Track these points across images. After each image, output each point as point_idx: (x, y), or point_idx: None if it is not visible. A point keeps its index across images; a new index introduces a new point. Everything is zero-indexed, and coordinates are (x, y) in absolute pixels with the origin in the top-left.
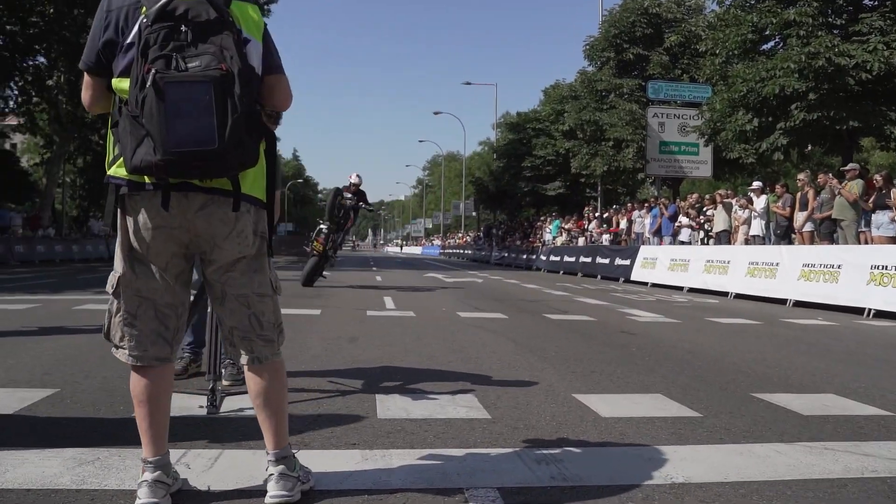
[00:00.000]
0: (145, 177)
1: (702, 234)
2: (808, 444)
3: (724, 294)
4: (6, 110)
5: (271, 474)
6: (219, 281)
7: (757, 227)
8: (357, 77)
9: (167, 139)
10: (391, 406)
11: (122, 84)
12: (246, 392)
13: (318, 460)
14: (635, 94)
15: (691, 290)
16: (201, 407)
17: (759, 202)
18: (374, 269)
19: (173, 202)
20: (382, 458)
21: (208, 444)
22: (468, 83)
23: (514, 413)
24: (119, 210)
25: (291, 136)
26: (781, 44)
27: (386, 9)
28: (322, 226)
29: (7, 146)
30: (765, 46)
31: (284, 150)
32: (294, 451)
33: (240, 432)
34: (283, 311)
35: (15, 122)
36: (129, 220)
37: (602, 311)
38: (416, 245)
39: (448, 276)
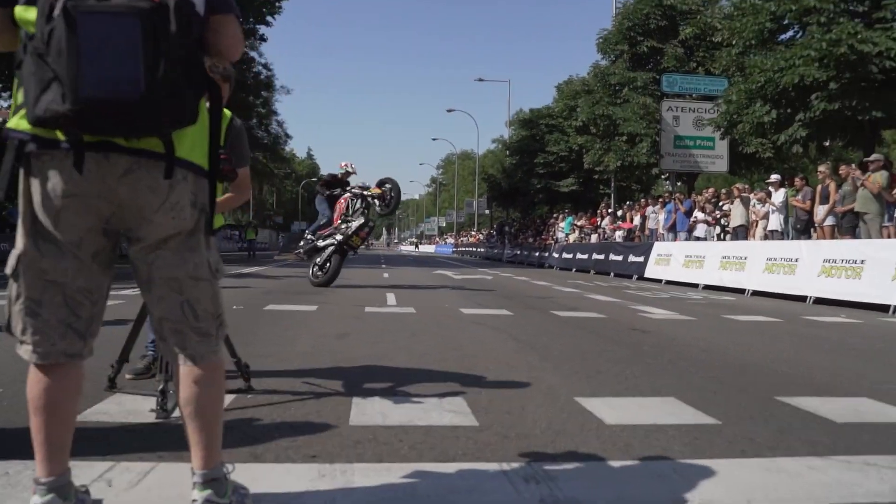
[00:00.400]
0: (58, 132)
1: (718, 229)
2: (845, 458)
3: (741, 291)
4: None
5: (194, 500)
6: (145, 262)
7: (775, 222)
8: (370, 75)
9: (78, 84)
10: (367, 410)
11: (27, 14)
12: None
13: (268, 476)
14: (649, 87)
15: (707, 287)
16: (151, 411)
17: (778, 196)
18: (384, 266)
19: (90, 165)
20: (343, 475)
21: (143, 454)
22: (481, 80)
23: (505, 419)
24: (22, 173)
25: (305, 136)
26: (800, 33)
27: (397, 5)
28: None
29: None
30: (783, 36)
31: (299, 149)
32: (229, 467)
33: (186, 440)
34: (280, 307)
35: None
36: (35, 187)
37: (613, 308)
38: (430, 244)
39: (458, 274)
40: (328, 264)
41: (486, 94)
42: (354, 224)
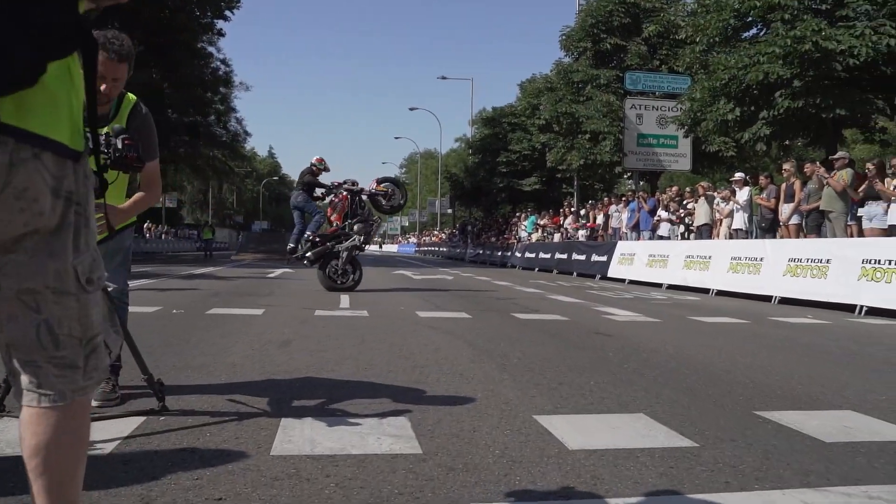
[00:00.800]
0: None
1: (682, 228)
2: (843, 489)
3: (706, 291)
4: None
5: None
6: None
7: (740, 221)
8: (332, 73)
9: None
10: (295, 436)
11: None
12: (117, 416)
13: None
14: (612, 85)
15: (671, 286)
16: None
17: (742, 194)
18: None
19: None
20: None
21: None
22: (444, 77)
23: (453, 445)
24: None
25: (267, 134)
26: (763, 30)
27: (360, 2)
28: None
29: None
30: (746, 34)
31: (260, 147)
32: None
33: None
34: (224, 310)
35: None
36: None
37: (576, 310)
38: (393, 243)
39: (418, 274)
40: (349, 267)
41: (450, 92)
42: (374, 227)
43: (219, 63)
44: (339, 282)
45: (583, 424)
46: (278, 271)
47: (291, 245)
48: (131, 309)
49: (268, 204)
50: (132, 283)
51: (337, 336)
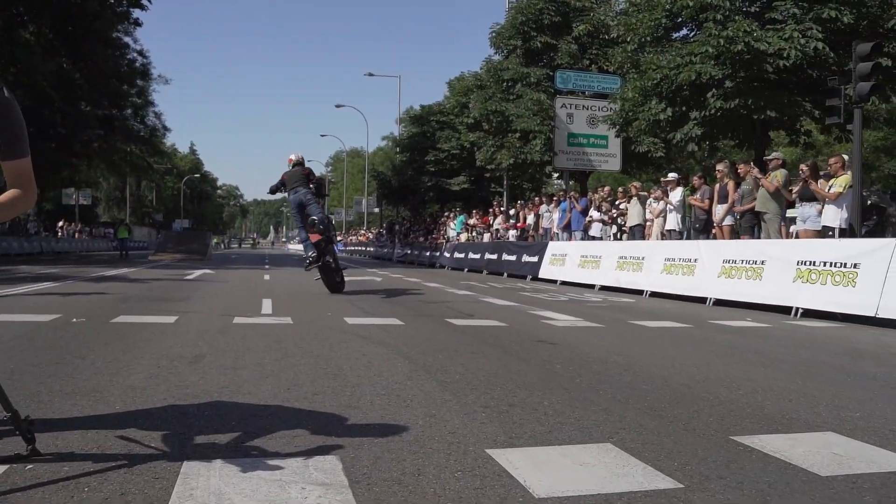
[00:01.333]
0: None
1: (614, 228)
2: None
3: (639, 292)
4: None
5: None
6: None
7: (673, 222)
8: (258, 70)
9: None
10: (198, 488)
11: None
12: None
13: None
14: (543, 83)
15: (603, 288)
16: None
17: (675, 195)
18: (268, 266)
19: None
20: None
21: None
22: (371, 74)
23: (394, 494)
24: None
25: (189, 132)
26: (694, 31)
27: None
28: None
29: None
30: (677, 35)
31: (181, 143)
32: None
33: None
34: (131, 318)
35: None
36: None
37: (513, 315)
38: None
39: (345, 275)
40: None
41: (377, 90)
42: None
43: (135, 54)
44: (338, 280)
45: (545, 460)
46: (197, 272)
47: (314, 254)
48: (22, 318)
49: (189, 202)
50: (28, 288)
51: (257, 349)
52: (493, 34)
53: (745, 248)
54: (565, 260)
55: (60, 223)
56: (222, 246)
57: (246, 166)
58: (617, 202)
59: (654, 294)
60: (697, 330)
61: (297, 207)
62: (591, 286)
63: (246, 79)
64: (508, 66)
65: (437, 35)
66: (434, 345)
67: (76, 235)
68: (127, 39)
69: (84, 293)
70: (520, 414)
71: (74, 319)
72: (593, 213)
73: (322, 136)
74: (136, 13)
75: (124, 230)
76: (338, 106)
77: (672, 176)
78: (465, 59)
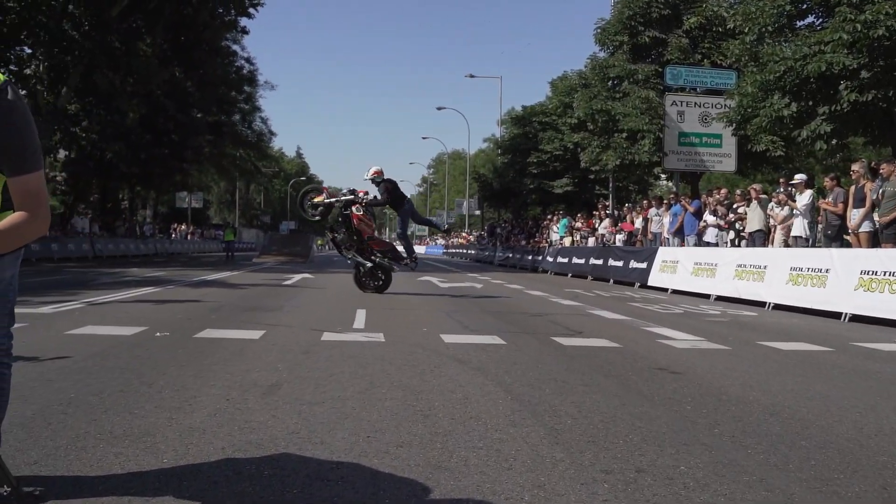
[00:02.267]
0: None
1: (731, 234)
2: None
3: (761, 304)
4: None
5: None
6: None
7: (799, 227)
8: (359, 73)
9: None
10: None
11: None
12: None
13: None
14: (651, 80)
15: (720, 298)
16: None
17: (803, 198)
18: None
19: None
20: None
21: None
22: (472, 76)
23: None
24: None
25: (295, 136)
26: (823, 18)
27: (386, 2)
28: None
29: None
30: (801, 23)
31: (288, 147)
32: None
33: None
34: (215, 333)
35: None
36: None
37: (625, 331)
38: (421, 244)
39: (445, 280)
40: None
41: (478, 91)
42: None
43: (243, 61)
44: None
45: None
46: (296, 277)
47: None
48: (107, 330)
49: (295, 204)
50: (127, 294)
51: (340, 376)
52: (598, 30)
53: (888, 258)
54: (677, 267)
55: (174, 225)
56: (327, 247)
57: (349, 169)
58: (734, 205)
59: (777, 306)
60: (842, 356)
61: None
62: (706, 296)
63: (348, 82)
64: (614, 63)
65: (539, 34)
66: (540, 373)
67: (188, 237)
68: (235, 47)
69: (179, 300)
70: (651, 485)
71: (158, 334)
72: (708, 218)
73: (423, 138)
74: (243, 21)
75: (231, 233)
76: (439, 108)
77: (800, 177)
78: (569, 57)
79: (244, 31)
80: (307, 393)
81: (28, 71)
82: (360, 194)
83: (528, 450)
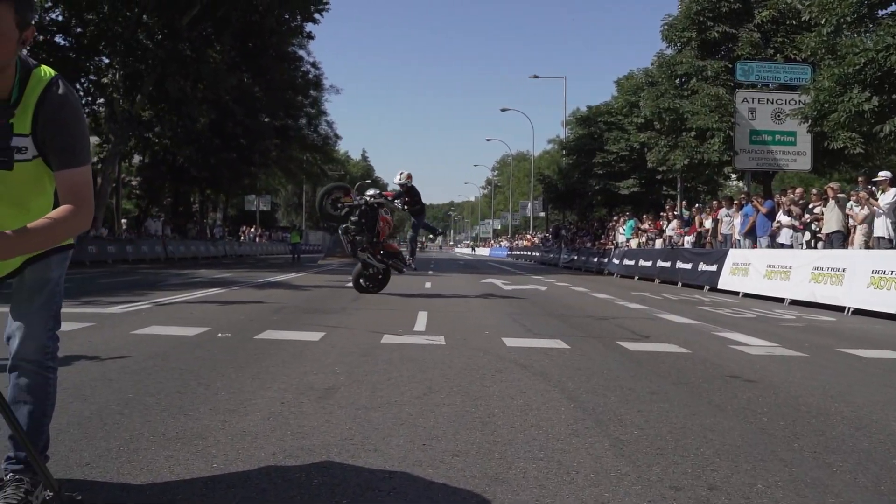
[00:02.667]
0: None
1: (807, 235)
2: None
3: (839, 309)
4: None
5: None
6: None
7: (882, 228)
8: (422, 77)
9: None
10: None
11: None
12: None
13: None
14: (721, 77)
15: (794, 302)
16: None
17: (886, 196)
18: (431, 273)
19: None
20: None
21: None
22: (536, 76)
23: None
24: None
25: (360, 139)
26: None
27: (450, 5)
28: (339, 230)
29: None
30: (883, 12)
31: (353, 150)
32: None
33: None
34: (276, 334)
35: None
36: None
37: (695, 336)
38: (486, 246)
39: (508, 283)
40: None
41: (542, 92)
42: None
43: (308, 66)
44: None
45: None
46: None
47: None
48: (170, 331)
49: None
50: (194, 295)
51: (398, 380)
52: (665, 27)
53: None
54: (748, 269)
55: (243, 228)
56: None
57: (414, 171)
58: (810, 205)
59: (857, 311)
60: None
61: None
62: (780, 300)
63: (412, 85)
64: (682, 59)
65: (603, 33)
66: (605, 380)
67: (257, 239)
68: (301, 53)
69: (243, 301)
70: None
71: (220, 335)
72: (781, 218)
73: (488, 140)
74: (309, 26)
75: (296, 235)
76: (503, 110)
77: (884, 174)
78: (634, 55)
79: (309, 37)
80: (363, 397)
81: (105, 80)
82: (389, 197)
83: (591, 462)
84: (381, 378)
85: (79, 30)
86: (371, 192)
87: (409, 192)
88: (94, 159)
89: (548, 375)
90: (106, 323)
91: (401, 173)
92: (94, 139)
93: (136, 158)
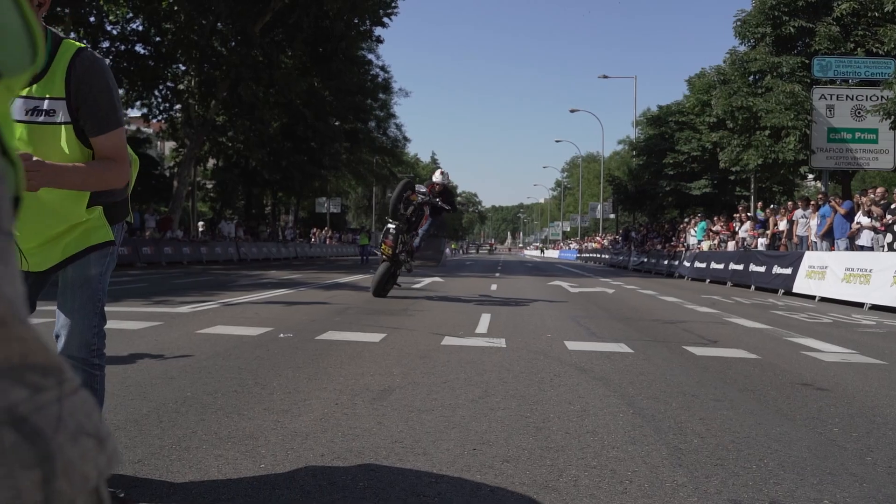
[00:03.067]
0: None
1: (889, 237)
2: None
3: None
4: (150, 117)
5: None
6: None
7: None
8: (491, 78)
9: None
10: None
11: None
12: None
13: None
14: (797, 73)
15: (875, 307)
16: None
17: None
18: (497, 275)
19: None
20: None
21: None
22: (605, 76)
23: None
24: None
25: (429, 142)
26: None
27: (517, 7)
28: (390, 225)
29: (156, 154)
30: None
31: (422, 153)
32: None
33: None
34: (338, 335)
35: (151, 130)
36: None
37: (765, 342)
38: (555, 248)
39: (575, 285)
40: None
41: (612, 93)
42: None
43: (378, 70)
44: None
45: None
46: (425, 281)
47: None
48: (235, 330)
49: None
50: (261, 295)
51: (455, 383)
52: (738, 23)
53: None
54: (825, 273)
55: (313, 230)
56: (460, 251)
57: (483, 173)
58: (893, 206)
59: None
60: None
61: None
62: (859, 305)
63: (481, 87)
64: (756, 56)
65: (675, 32)
66: (667, 385)
67: (327, 241)
68: (370, 56)
69: (308, 302)
70: None
71: (282, 335)
72: (861, 220)
73: (557, 141)
74: (378, 31)
75: (365, 237)
76: (572, 111)
77: None
78: (706, 53)
79: (378, 41)
80: (417, 399)
81: (181, 86)
82: (429, 195)
83: (646, 471)
84: (437, 380)
85: (157, 38)
86: (424, 189)
87: (443, 193)
88: (171, 164)
89: (608, 380)
90: (174, 322)
91: (442, 172)
92: (170, 144)
93: (211, 162)
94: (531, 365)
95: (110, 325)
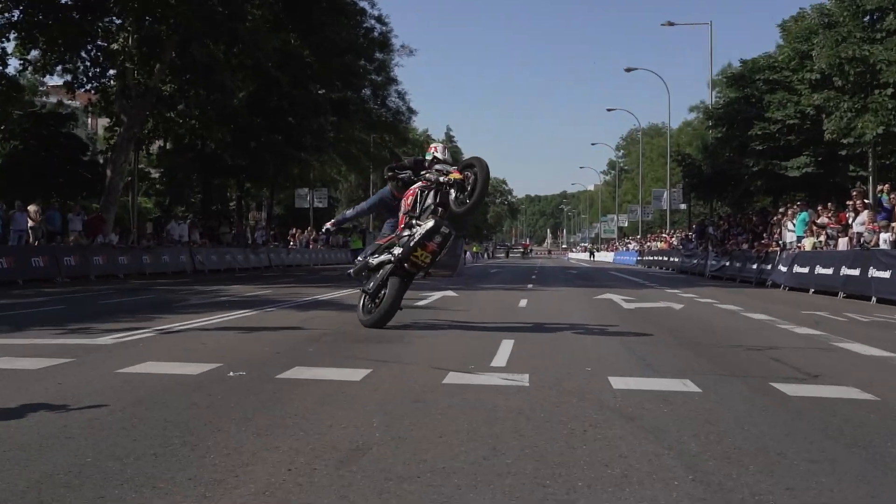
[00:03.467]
0: None
1: None
2: None
3: None
4: (75, 86)
5: None
6: None
7: None
8: (521, 31)
9: None
10: None
11: None
12: None
13: None
14: None
15: None
16: None
17: None
18: (530, 286)
19: None
20: None
21: None
22: (671, 24)
23: None
24: None
25: (441, 115)
26: None
27: None
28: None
29: (84, 136)
30: None
31: (434, 128)
32: None
33: None
34: (306, 371)
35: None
36: None
37: (887, 376)
38: (609, 249)
39: (631, 300)
40: (382, 291)
41: (679, 45)
42: (420, 230)
43: (373, 21)
44: (363, 314)
45: None
46: (435, 295)
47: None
48: (168, 368)
49: None
50: (213, 319)
51: (453, 437)
52: None
53: None
54: None
55: (293, 231)
56: (485, 255)
57: (514, 155)
58: None
59: None
60: None
61: None
62: None
63: (508, 44)
64: None
65: None
66: (744, 440)
67: (310, 245)
68: (363, 4)
69: (274, 328)
70: None
71: (231, 373)
72: None
73: (609, 110)
74: None
75: (358, 240)
76: (628, 70)
77: None
78: None
79: None
80: (400, 462)
81: (116, 46)
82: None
83: None
84: (429, 434)
85: None
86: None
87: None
88: (104, 147)
89: (662, 432)
90: (89, 358)
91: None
92: (103, 121)
93: (156, 145)
94: (559, 411)
95: (0, 363)
